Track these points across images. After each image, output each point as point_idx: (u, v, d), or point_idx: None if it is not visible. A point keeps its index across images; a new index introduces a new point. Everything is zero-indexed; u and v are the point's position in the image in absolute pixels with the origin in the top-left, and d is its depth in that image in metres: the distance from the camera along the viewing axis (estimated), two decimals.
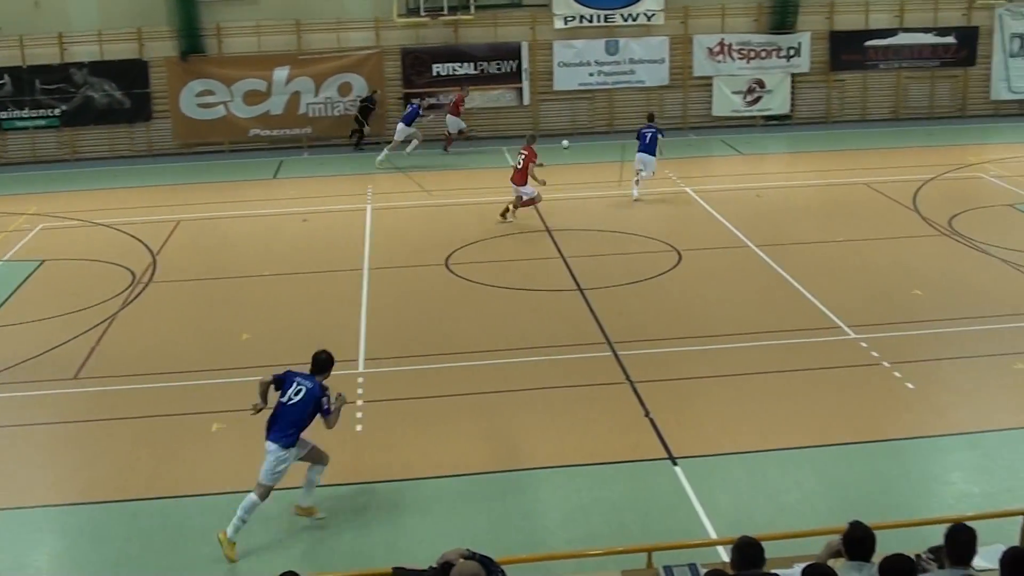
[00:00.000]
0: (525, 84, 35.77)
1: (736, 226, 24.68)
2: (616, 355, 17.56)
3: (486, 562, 8.51)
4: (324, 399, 12.48)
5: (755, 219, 25.45)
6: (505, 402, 16.04)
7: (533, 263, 22.68)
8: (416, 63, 35.27)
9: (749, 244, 23.36)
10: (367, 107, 34.95)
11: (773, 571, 8.41)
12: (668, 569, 9.59)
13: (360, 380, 16.88)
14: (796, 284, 20.76)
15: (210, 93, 34.55)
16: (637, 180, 27.62)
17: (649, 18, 35.66)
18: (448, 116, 34.32)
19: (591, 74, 35.81)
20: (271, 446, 12.45)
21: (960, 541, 8.23)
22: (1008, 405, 15.70)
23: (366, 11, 34.86)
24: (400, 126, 32.57)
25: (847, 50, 36.75)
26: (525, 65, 35.65)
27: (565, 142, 28.89)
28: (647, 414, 15.40)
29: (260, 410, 12.78)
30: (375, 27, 34.85)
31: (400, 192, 29.13)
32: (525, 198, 25.46)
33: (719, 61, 36.25)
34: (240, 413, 15.73)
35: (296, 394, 12.49)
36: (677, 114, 36.15)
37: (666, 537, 11.46)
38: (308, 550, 12.33)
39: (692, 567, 9.55)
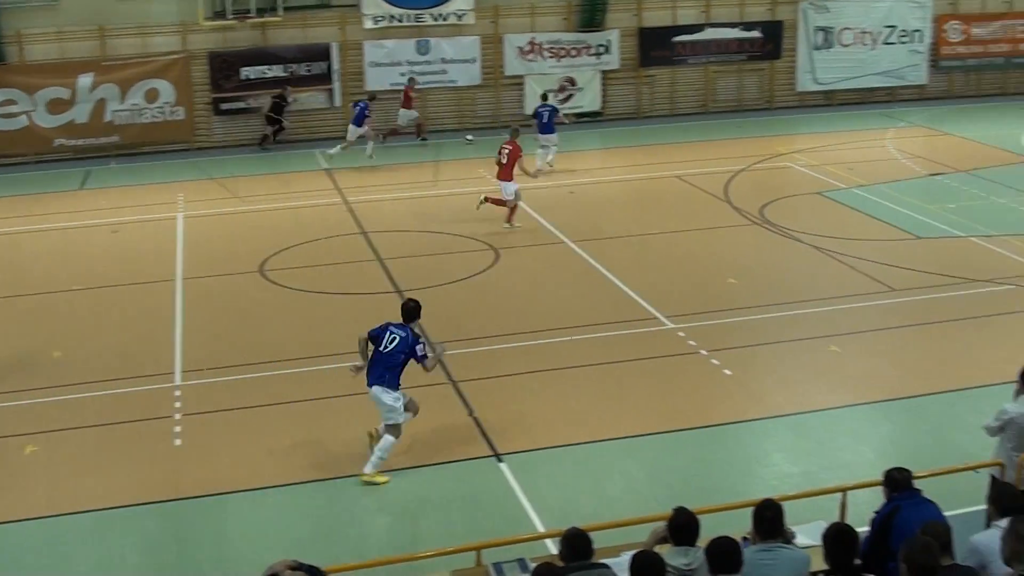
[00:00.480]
0: (336, 85, 35.38)
1: (552, 223, 24.83)
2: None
3: (314, 572, 8.35)
4: (419, 345, 13.65)
5: (570, 215, 25.65)
6: (326, 409, 15.81)
7: (350, 267, 22.44)
8: (224, 67, 34.53)
9: (565, 240, 23.53)
10: (279, 104, 34.42)
11: (601, 561, 8.42)
12: (497, 566, 9.55)
13: (177, 393, 16.45)
14: (613, 277, 20.98)
15: (12, 103, 33.24)
16: (546, 155, 29.38)
17: (459, 18, 35.66)
18: (400, 110, 34.33)
19: (403, 74, 35.61)
20: (376, 390, 13.69)
21: (765, 517, 8.40)
22: (823, 386, 16.13)
23: (171, 15, 34.02)
24: (351, 127, 32.06)
25: (656, 46, 37.33)
26: (335, 66, 35.29)
27: (469, 136, 29.30)
28: (471, 413, 15.37)
29: (360, 370, 13.92)
30: (181, 31, 34.05)
31: (211, 199, 28.53)
32: (505, 196, 24.69)
33: (530, 60, 36.46)
34: (55, 433, 15.23)
35: (391, 343, 13.69)
36: (489, 114, 36.22)
37: (494, 534, 11.40)
38: (130, 569, 11.95)
39: (521, 562, 9.52)
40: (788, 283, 20.45)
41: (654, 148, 33.20)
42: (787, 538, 8.83)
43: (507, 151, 24.93)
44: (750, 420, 15.16)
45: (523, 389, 16.30)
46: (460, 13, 35.55)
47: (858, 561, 8.24)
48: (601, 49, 36.88)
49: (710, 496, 12.23)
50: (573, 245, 23.14)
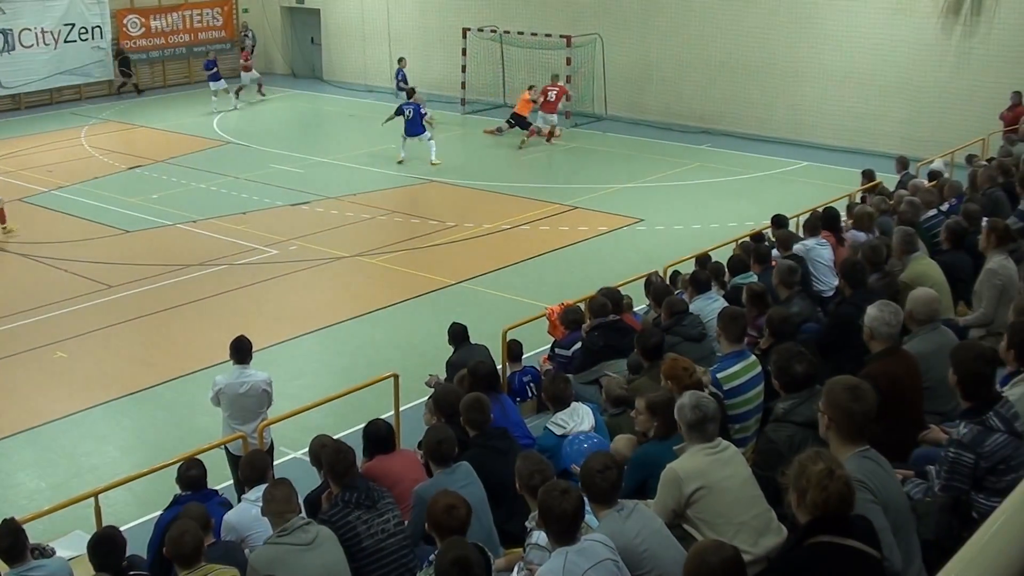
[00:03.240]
0: None
1: None
2: None
3: None
4: (422, 107, 28.88)
5: None
6: None
7: None
8: None
9: None
10: (126, 59, 39.53)
11: None
12: None
13: None
14: None
15: None
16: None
17: None
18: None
19: None
20: (410, 140, 28.70)
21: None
22: (57, 395, 15.86)
23: None
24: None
25: None
26: None
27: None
28: None
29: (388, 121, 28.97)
30: None
31: None
32: (542, 125, 31.27)
33: None
34: None
35: (411, 112, 28.40)
36: None
37: None
38: None
39: None
40: (1, 296, 19.76)
41: None
42: (47, 555, 8.68)
43: (554, 91, 31.10)
44: None
45: None
46: None
47: (125, 562, 8.31)
48: None
49: None
50: None
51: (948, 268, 11.81)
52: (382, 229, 23.49)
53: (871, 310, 8.64)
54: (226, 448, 12.13)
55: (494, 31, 35.86)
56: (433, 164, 28.67)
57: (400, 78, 36.91)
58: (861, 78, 29.57)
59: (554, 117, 31.27)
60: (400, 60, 37.00)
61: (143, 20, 40.58)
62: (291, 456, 13.19)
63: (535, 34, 34.55)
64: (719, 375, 9.25)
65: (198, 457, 10.14)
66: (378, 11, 40.20)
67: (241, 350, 12.18)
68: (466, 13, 36.89)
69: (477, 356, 11.99)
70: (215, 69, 36.35)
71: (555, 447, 9.31)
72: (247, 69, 37.98)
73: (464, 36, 36.11)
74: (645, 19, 33.31)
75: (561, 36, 33.74)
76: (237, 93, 37.36)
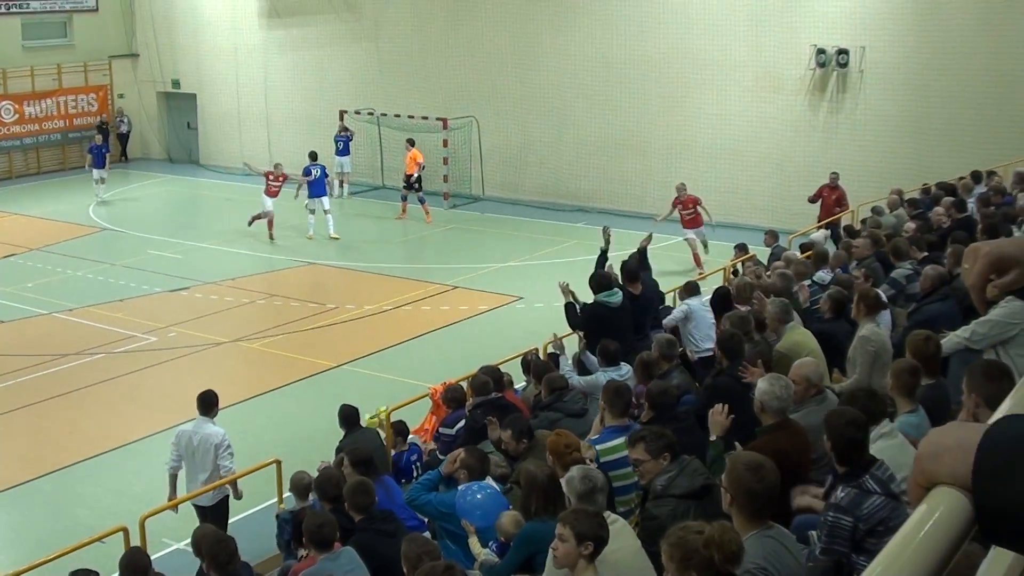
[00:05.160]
0: None
1: None
2: None
3: None
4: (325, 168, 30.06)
5: None
6: None
7: None
8: None
9: None
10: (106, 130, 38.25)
11: None
12: None
13: None
14: None
15: None
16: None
17: None
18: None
19: None
20: (320, 200, 28.88)
21: None
22: None
23: None
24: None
25: None
26: None
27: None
28: None
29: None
30: None
31: None
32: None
33: None
34: None
35: (318, 172, 29.05)
36: None
37: None
38: None
39: None
40: None
41: None
42: None
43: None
44: None
45: None
46: None
47: None
48: None
49: None
50: None
51: (826, 336, 12.07)
52: (262, 313, 23.33)
53: (762, 384, 8.74)
54: (194, 504, 12.39)
55: (371, 113, 36.00)
56: (332, 238, 28.96)
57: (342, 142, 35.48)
58: (732, 154, 30.26)
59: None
60: (345, 129, 35.91)
61: (16, 106, 39.84)
62: (173, 548, 12.95)
63: (412, 116, 34.77)
64: (598, 447, 9.25)
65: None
66: (255, 95, 40.08)
67: (206, 402, 12.47)
68: (344, 96, 36.92)
69: (367, 440, 12.00)
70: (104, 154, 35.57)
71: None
72: (273, 194, 29.40)
73: (341, 118, 36.16)
74: (519, 101, 33.73)
75: (437, 119, 34.01)
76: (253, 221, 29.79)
